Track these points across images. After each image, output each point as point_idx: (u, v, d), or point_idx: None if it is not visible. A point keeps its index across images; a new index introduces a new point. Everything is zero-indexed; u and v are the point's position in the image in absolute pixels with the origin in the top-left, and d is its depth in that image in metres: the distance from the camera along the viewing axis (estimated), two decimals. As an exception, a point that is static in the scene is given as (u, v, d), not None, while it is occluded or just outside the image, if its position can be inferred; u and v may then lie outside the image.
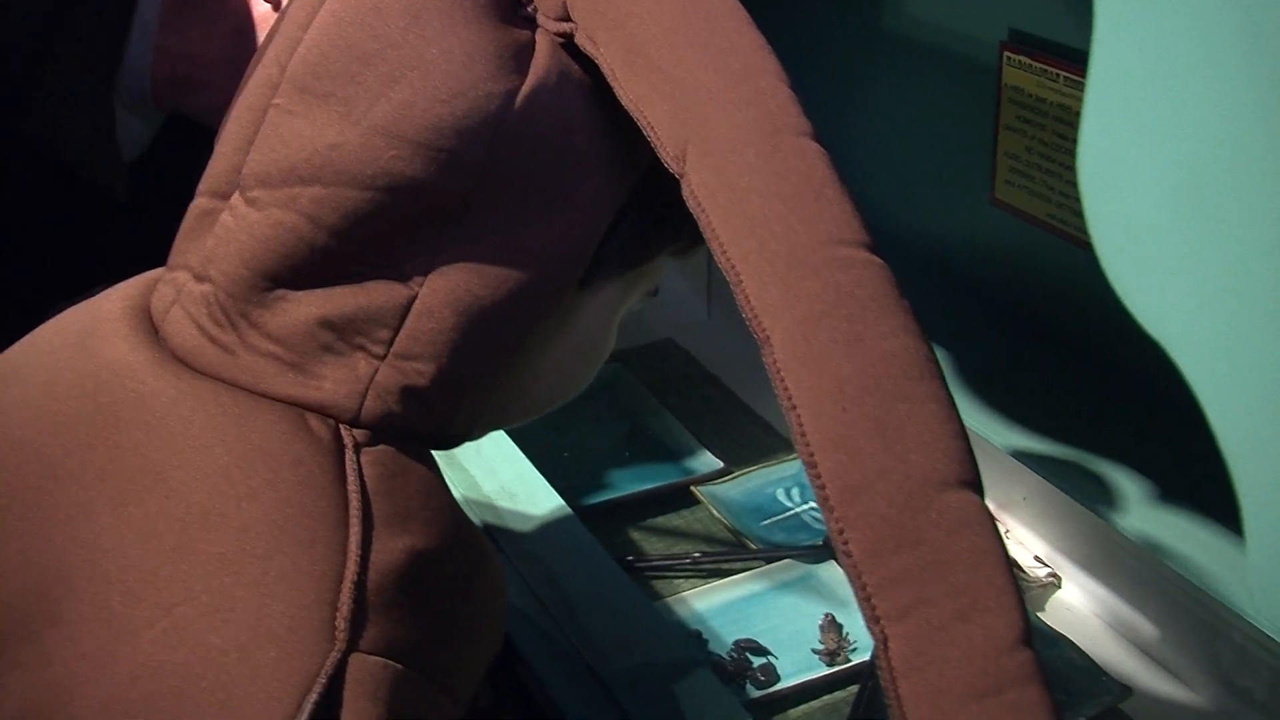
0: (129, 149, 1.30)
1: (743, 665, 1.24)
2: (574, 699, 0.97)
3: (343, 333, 0.76)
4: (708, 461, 1.55)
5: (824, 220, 0.69)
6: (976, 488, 0.65)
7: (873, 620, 0.63)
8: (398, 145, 0.74)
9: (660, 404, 1.65)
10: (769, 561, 1.38)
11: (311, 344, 0.76)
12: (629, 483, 1.52)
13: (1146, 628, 1.27)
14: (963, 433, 0.66)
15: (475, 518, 1.15)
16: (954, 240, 1.53)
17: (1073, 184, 1.27)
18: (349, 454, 0.74)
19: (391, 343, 0.76)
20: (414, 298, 0.75)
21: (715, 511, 1.46)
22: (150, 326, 0.80)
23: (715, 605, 1.32)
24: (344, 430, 0.76)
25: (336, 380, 0.76)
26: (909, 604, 0.63)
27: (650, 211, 0.83)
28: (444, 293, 0.76)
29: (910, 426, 0.65)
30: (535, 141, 0.76)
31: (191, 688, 0.66)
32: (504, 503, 1.17)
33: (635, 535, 1.44)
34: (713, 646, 1.26)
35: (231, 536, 0.70)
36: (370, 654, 0.69)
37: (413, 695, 0.71)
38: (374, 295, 0.75)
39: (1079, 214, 1.27)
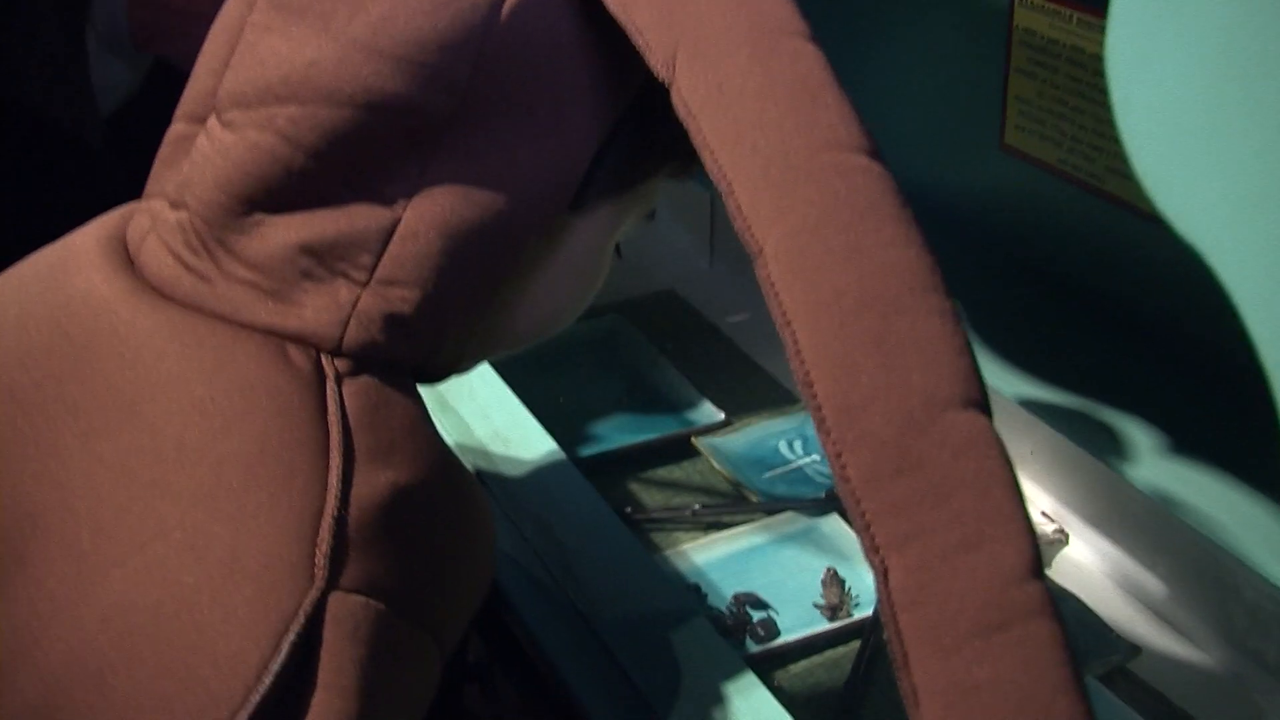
0: (111, 94, 1.26)
1: (742, 619, 1.22)
2: (566, 651, 0.95)
3: (323, 258, 0.73)
4: (708, 413, 1.52)
5: (821, 124, 0.66)
6: (983, 407, 0.62)
7: (871, 550, 0.60)
8: (377, 60, 0.71)
9: (660, 354, 1.62)
10: (770, 514, 1.35)
11: (291, 271, 0.73)
12: (628, 434, 1.49)
13: (1156, 586, 1.24)
14: (968, 349, 0.63)
15: (467, 463, 1.12)
16: (962, 187, 1.50)
17: (1086, 129, 1.25)
18: (330, 384, 0.72)
19: (374, 268, 0.73)
20: (397, 221, 0.73)
21: (715, 463, 1.43)
22: (125, 257, 0.77)
23: (715, 558, 1.30)
24: (325, 360, 0.73)
25: (317, 308, 0.73)
26: (910, 532, 0.59)
27: (644, 130, 0.80)
28: (429, 215, 0.73)
29: (912, 342, 0.62)
30: (522, 56, 0.73)
31: (163, 628, 0.64)
32: (497, 447, 1.15)
33: (634, 487, 1.41)
34: (712, 600, 1.24)
35: (206, 470, 0.67)
36: (351, 592, 0.67)
37: (395, 637, 0.69)
38: (355, 219, 0.72)
39: (1091, 160, 1.26)
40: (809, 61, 0.68)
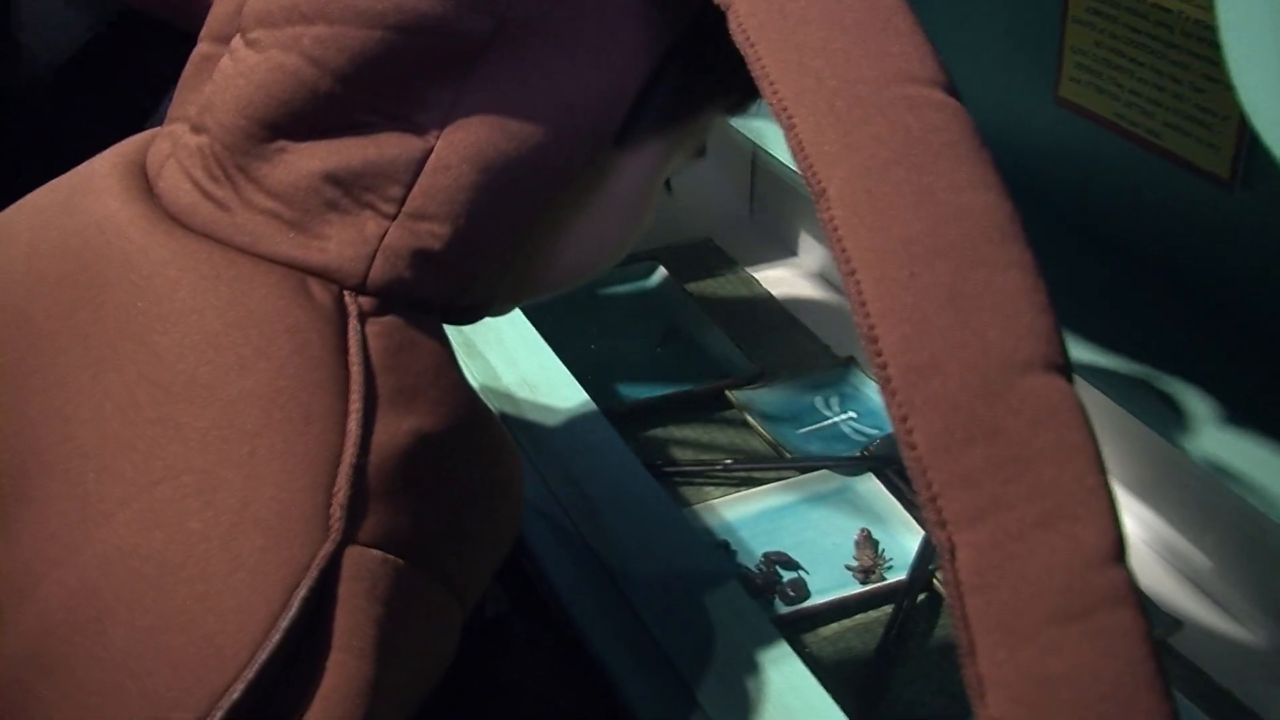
0: (57, 39, 1.20)
1: (771, 579, 1.19)
2: (589, 606, 0.92)
3: (350, 189, 0.69)
4: (743, 365, 1.48)
5: (892, 54, 0.61)
6: (1065, 371, 0.56)
7: (938, 524, 0.55)
8: None
9: (696, 305, 1.59)
10: (804, 472, 1.32)
11: (315, 201, 0.69)
12: (661, 384, 1.46)
13: (1200, 558, 1.21)
14: (1050, 306, 0.57)
15: (493, 409, 1.09)
16: (1015, 141, 1.46)
17: (1145, 82, 1.21)
18: (352, 323, 0.68)
19: (404, 200, 0.69)
20: (429, 151, 0.69)
21: (750, 418, 1.40)
22: (144, 182, 0.74)
23: (745, 515, 1.27)
24: (348, 297, 0.69)
25: (342, 241, 0.70)
26: (982, 507, 0.54)
27: (699, 58, 0.75)
28: (463, 146, 0.69)
29: (989, 296, 0.56)
30: None
31: (168, 576, 0.60)
32: (524, 394, 1.12)
33: (665, 439, 1.38)
34: (741, 558, 1.21)
35: (218, 410, 0.64)
36: (369, 546, 0.63)
37: (415, 594, 0.66)
38: (385, 147, 0.69)
39: (1149, 114, 1.21)
40: None
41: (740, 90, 0.80)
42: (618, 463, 1.05)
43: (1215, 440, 1.14)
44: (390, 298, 0.71)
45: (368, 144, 0.69)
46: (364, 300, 0.70)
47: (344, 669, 0.61)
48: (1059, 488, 0.54)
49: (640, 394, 1.43)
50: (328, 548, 0.61)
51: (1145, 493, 1.27)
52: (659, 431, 1.39)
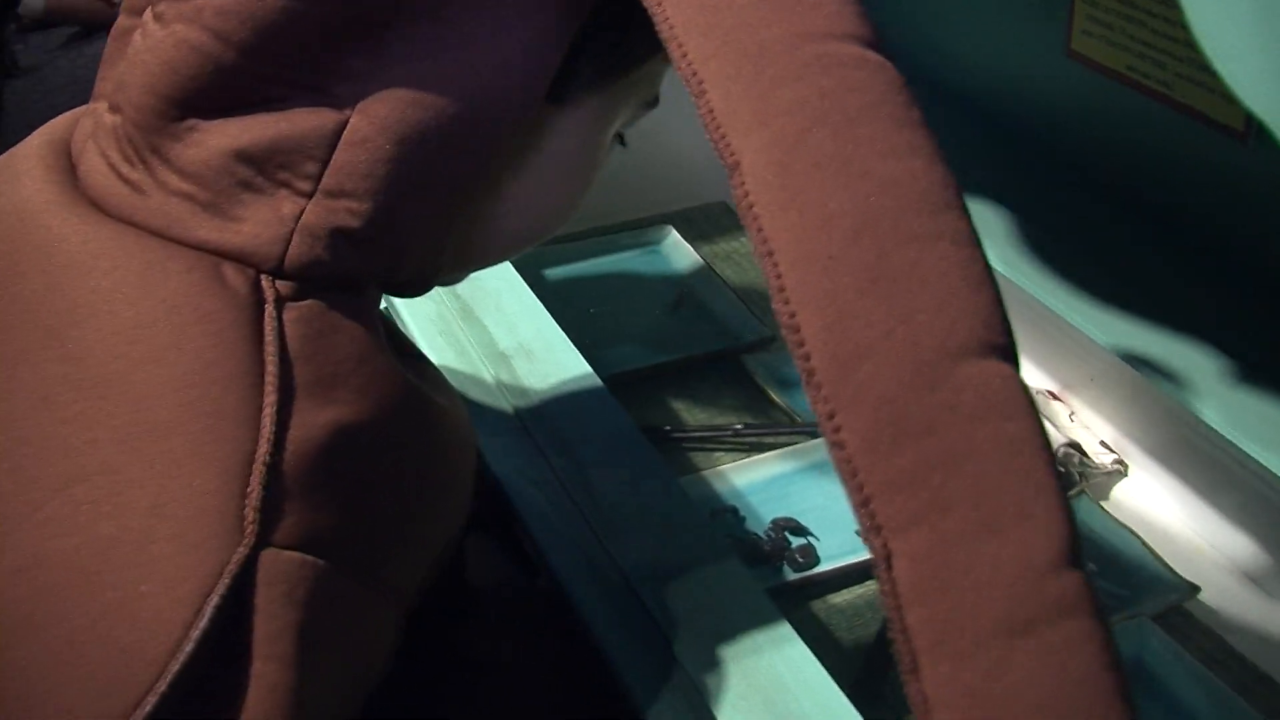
0: None
1: (780, 545, 1.17)
2: (582, 577, 0.90)
3: (263, 167, 0.65)
4: (755, 329, 1.47)
5: (804, 8, 0.56)
6: (1008, 354, 0.52)
7: (872, 530, 0.50)
8: None
9: (709, 268, 1.57)
10: (814, 437, 1.30)
11: (228, 181, 0.65)
12: (672, 348, 1.44)
13: (1218, 523, 1.19)
14: (989, 280, 0.53)
15: (489, 376, 1.08)
16: (1025, 94, 1.44)
17: (1157, 33, 1.17)
18: (269, 309, 0.65)
19: (320, 177, 0.65)
20: (344, 124, 0.65)
21: (761, 382, 1.38)
22: (68, 163, 0.70)
23: (755, 481, 1.26)
24: (265, 281, 0.66)
25: (258, 222, 0.66)
26: (919, 511, 0.50)
27: (630, 12, 0.69)
28: (379, 117, 0.65)
29: (917, 275, 0.52)
30: None
31: (80, 584, 0.58)
32: (520, 360, 1.10)
33: (675, 404, 1.37)
34: (749, 524, 1.20)
35: (130, 407, 0.61)
36: (286, 549, 0.60)
37: (337, 594, 0.63)
38: (297, 122, 0.65)
39: (1162, 66, 1.18)
40: None
41: None
42: (614, 430, 1.03)
43: (1230, 400, 1.12)
44: (310, 280, 0.67)
45: (280, 119, 0.65)
46: (282, 284, 0.66)
47: (265, 678, 0.58)
48: (1002, 487, 0.50)
49: (652, 358, 1.42)
50: (242, 552, 0.59)
51: (1162, 454, 1.25)
52: (670, 396, 1.38)
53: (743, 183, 0.55)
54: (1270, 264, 1.17)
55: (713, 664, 0.83)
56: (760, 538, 1.18)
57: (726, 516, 1.20)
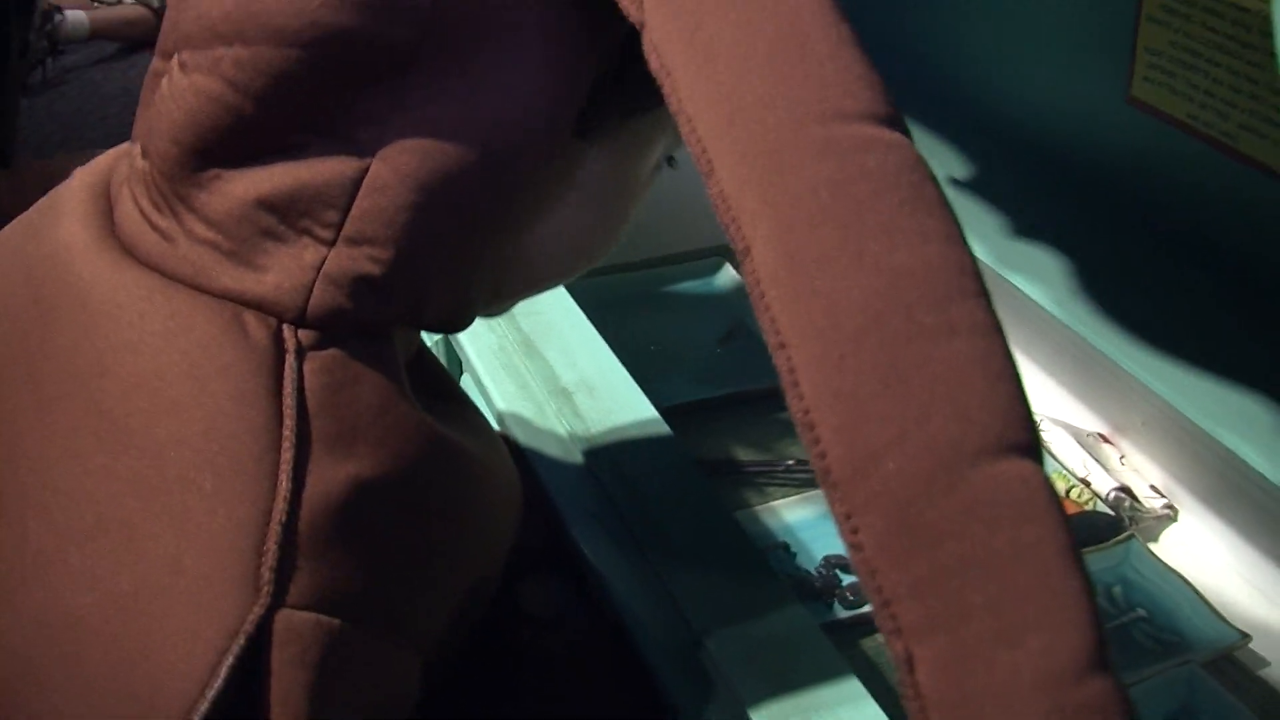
0: None
1: (831, 582, 1.18)
2: (640, 609, 0.91)
3: (285, 215, 0.65)
4: (808, 364, 1.46)
5: (811, 85, 0.54)
6: (1029, 451, 0.50)
7: (893, 633, 0.49)
8: None
9: (761, 301, 1.56)
10: (866, 474, 1.30)
11: (250, 229, 0.65)
12: (724, 382, 1.45)
13: (1270, 569, 1.19)
14: (1011, 374, 0.51)
15: (551, 410, 1.09)
16: (1085, 141, 1.44)
17: (1220, 83, 1.18)
18: (289, 360, 0.64)
19: (341, 225, 0.65)
20: (365, 171, 0.64)
21: (813, 417, 1.38)
22: (107, 206, 0.70)
23: (807, 517, 1.26)
24: (287, 331, 0.65)
25: (280, 271, 0.65)
26: (938, 618, 0.48)
27: None
28: (399, 164, 0.64)
29: (930, 374, 0.50)
30: None
31: (99, 637, 0.58)
32: (582, 395, 1.11)
33: (727, 438, 1.37)
34: (801, 560, 1.20)
35: (150, 459, 0.61)
36: (301, 609, 0.60)
37: (353, 653, 0.63)
38: (318, 170, 0.64)
39: (1225, 116, 1.19)
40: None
41: None
42: (675, 467, 1.04)
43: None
44: (334, 328, 0.67)
45: (300, 167, 0.64)
46: (304, 334, 0.66)
47: None
48: (1021, 593, 0.48)
49: (704, 392, 1.42)
50: (257, 612, 0.59)
51: (1213, 499, 1.25)
52: (722, 430, 1.38)
53: (754, 271, 0.53)
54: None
55: (769, 694, 0.84)
56: (812, 574, 1.18)
57: (778, 552, 1.21)
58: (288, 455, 0.62)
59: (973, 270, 0.52)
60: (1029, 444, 0.50)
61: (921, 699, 0.48)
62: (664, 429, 1.08)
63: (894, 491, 0.49)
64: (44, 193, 0.76)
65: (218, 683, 0.57)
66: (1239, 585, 1.21)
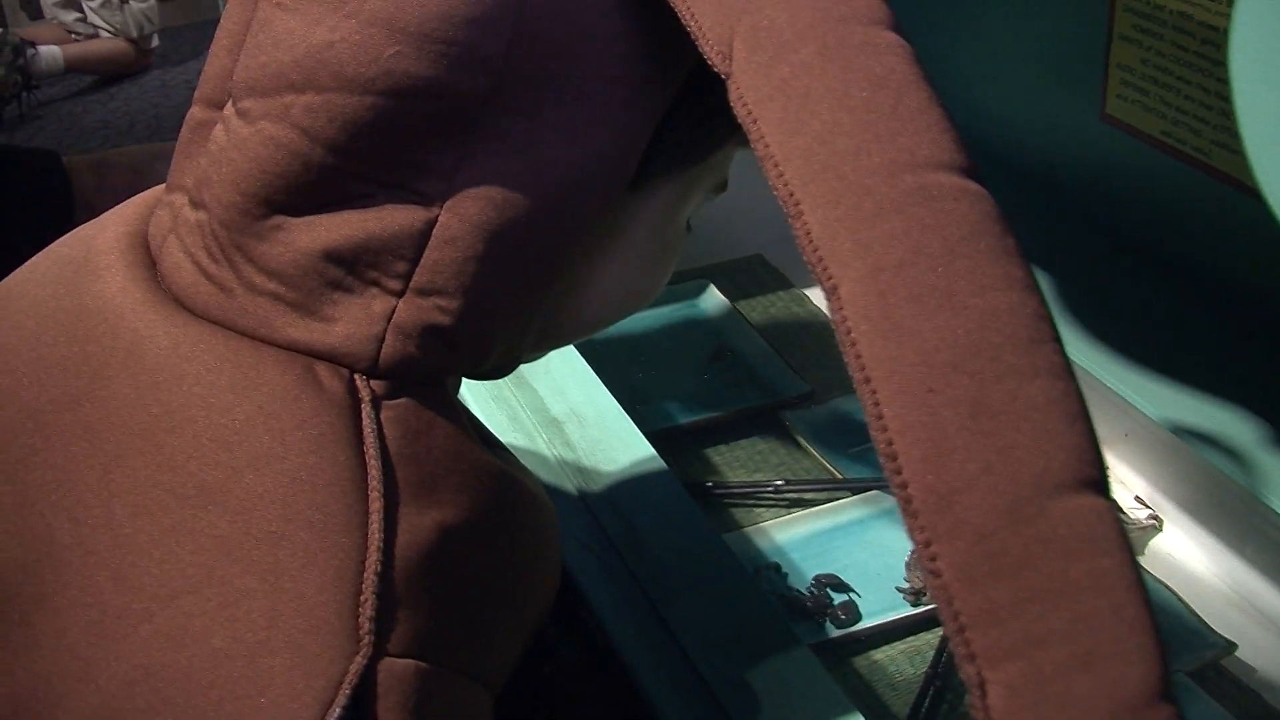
0: None
1: (823, 602, 1.19)
2: (636, 641, 0.92)
3: (353, 266, 0.66)
4: (794, 384, 1.48)
5: (904, 136, 0.57)
6: (1101, 488, 0.52)
7: (967, 658, 0.50)
8: (400, 40, 0.63)
9: (747, 322, 1.58)
10: (855, 493, 1.32)
11: (317, 281, 0.66)
12: (711, 404, 1.46)
13: (1253, 579, 1.20)
14: (1085, 415, 0.53)
15: (542, 441, 1.10)
16: (1061, 158, 1.46)
17: (1192, 100, 1.20)
18: (366, 410, 0.65)
19: (410, 276, 0.66)
20: (434, 221, 0.65)
21: (800, 438, 1.40)
22: (147, 258, 0.71)
23: (796, 537, 1.27)
24: (359, 381, 0.66)
25: (350, 322, 0.66)
26: (1013, 645, 0.50)
27: (706, 104, 0.71)
28: (468, 214, 0.65)
29: (1015, 410, 0.52)
30: (563, 26, 0.65)
31: (195, 698, 0.58)
32: (572, 426, 1.12)
33: (716, 460, 1.38)
34: (792, 580, 1.21)
35: (234, 516, 0.61)
36: (399, 657, 0.61)
37: (447, 694, 0.63)
38: (386, 220, 0.65)
39: (1197, 132, 1.21)
40: (891, 57, 0.59)
41: None
42: (666, 495, 1.05)
43: (1268, 462, 1.13)
44: (402, 376, 0.68)
45: (368, 217, 0.66)
46: (376, 384, 0.67)
47: None
48: (1097, 623, 0.50)
49: (691, 414, 1.43)
50: (359, 663, 0.59)
51: (1197, 510, 1.26)
52: (710, 452, 1.39)
53: (841, 308, 0.55)
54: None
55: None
56: (803, 594, 1.19)
57: (769, 573, 1.22)
58: (376, 505, 0.62)
59: (1049, 317, 0.55)
60: (1101, 481, 0.52)
61: None
62: (655, 458, 1.09)
63: (976, 521, 0.51)
64: (131, 188, 0.76)
65: None
66: (1225, 595, 1.22)
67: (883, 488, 1.31)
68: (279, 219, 0.66)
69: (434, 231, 0.66)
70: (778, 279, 1.72)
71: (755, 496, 1.33)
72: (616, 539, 0.99)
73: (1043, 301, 0.55)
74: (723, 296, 1.63)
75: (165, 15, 5.35)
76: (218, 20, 0.72)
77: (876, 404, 0.54)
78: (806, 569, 1.22)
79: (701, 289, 1.65)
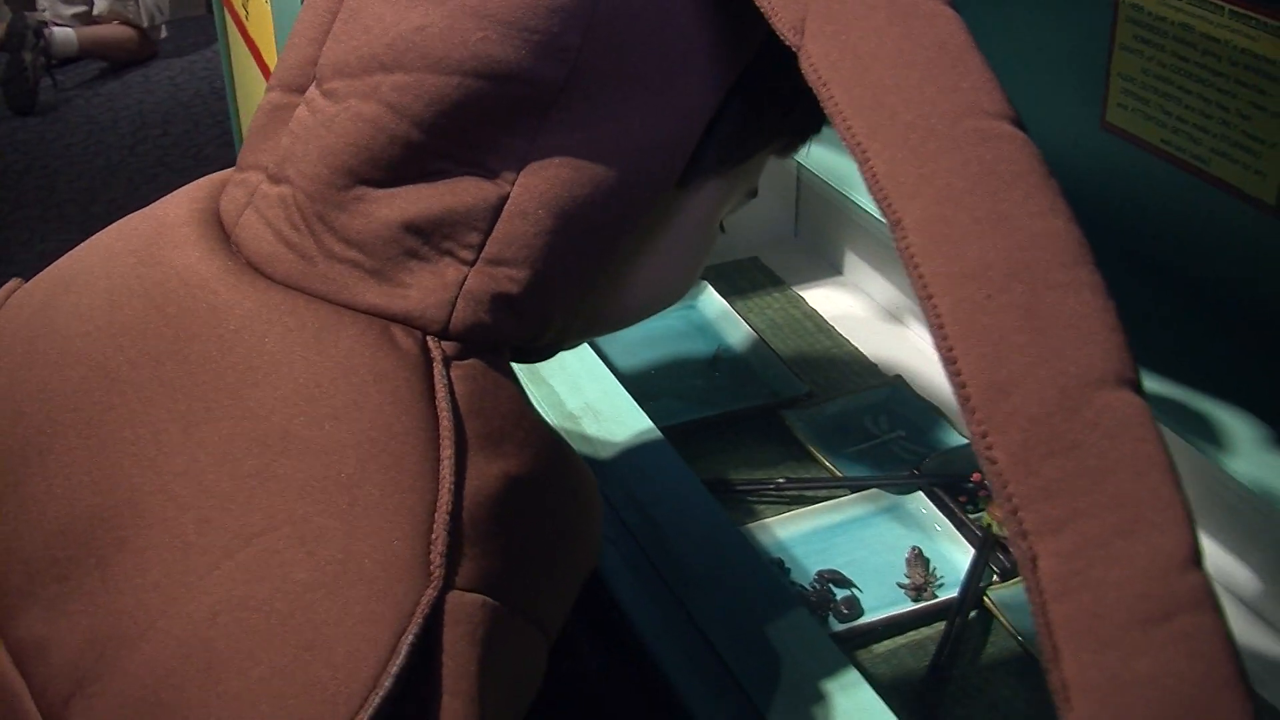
0: None
1: (825, 597, 1.21)
2: (659, 631, 0.94)
3: (429, 237, 0.71)
4: (793, 384, 1.50)
5: (964, 89, 0.62)
6: (1137, 386, 0.57)
7: (1019, 535, 0.55)
8: (487, 26, 0.69)
9: (745, 324, 1.60)
10: (855, 490, 1.34)
11: (395, 250, 0.71)
12: (712, 404, 1.48)
13: (1247, 578, 1.22)
14: (1120, 325, 0.58)
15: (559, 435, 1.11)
16: (1061, 166, 1.46)
17: (1192, 109, 1.22)
18: (438, 368, 0.70)
19: (482, 247, 0.71)
20: (506, 197, 0.71)
21: (800, 437, 1.42)
22: (221, 232, 0.75)
23: (798, 534, 1.29)
24: (431, 342, 0.71)
25: (424, 288, 0.71)
26: (1063, 517, 0.55)
27: (755, 102, 0.77)
28: (538, 191, 0.71)
29: (1064, 316, 0.57)
30: (636, 21, 0.71)
31: (277, 625, 0.62)
32: (588, 420, 1.14)
33: (718, 458, 1.40)
34: (795, 576, 1.23)
35: (315, 461, 0.66)
36: (468, 591, 0.65)
37: (509, 633, 0.67)
38: (462, 194, 0.71)
39: (1197, 141, 1.23)
40: (948, 24, 0.64)
41: (793, 132, 0.82)
42: (682, 487, 1.07)
43: (1259, 460, 1.15)
44: (470, 341, 0.72)
45: (445, 191, 0.71)
46: (446, 345, 0.71)
47: (453, 713, 0.63)
48: (1137, 497, 0.54)
49: (692, 414, 1.45)
50: (430, 594, 0.63)
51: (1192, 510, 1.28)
52: (712, 451, 1.41)
53: (905, 236, 0.61)
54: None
55: (788, 710, 0.87)
56: (806, 590, 1.21)
57: (773, 569, 1.23)
58: (448, 453, 0.67)
59: (1088, 244, 0.60)
60: (1137, 381, 0.57)
61: (1043, 592, 0.54)
62: (671, 452, 1.11)
63: (1029, 409, 0.56)
64: None
65: (400, 660, 0.61)
66: (1220, 594, 1.23)
67: (882, 486, 1.34)
68: (361, 190, 0.71)
69: (506, 206, 0.71)
70: (774, 281, 1.74)
71: (756, 494, 1.34)
72: (636, 530, 1.01)
73: (1080, 229, 0.60)
74: (721, 298, 1.65)
75: (175, 7, 5.41)
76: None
77: (938, 315, 0.59)
78: (809, 565, 1.24)
79: (700, 291, 1.66)
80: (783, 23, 0.67)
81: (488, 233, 0.71)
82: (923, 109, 0.62)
